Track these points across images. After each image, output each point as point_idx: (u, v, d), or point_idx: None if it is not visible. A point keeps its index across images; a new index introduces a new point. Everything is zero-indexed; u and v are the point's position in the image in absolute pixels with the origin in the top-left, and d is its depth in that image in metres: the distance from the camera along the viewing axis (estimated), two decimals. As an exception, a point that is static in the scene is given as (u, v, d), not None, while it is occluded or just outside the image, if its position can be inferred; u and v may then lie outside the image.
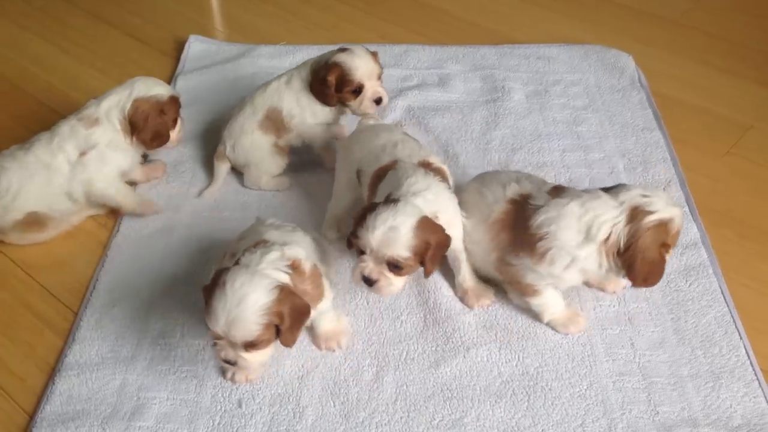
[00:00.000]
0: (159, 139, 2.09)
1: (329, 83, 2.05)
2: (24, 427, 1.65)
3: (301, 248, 1.61)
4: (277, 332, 1.50)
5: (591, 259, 1.64)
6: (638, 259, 1.59)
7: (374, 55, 2.10)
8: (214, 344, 1.52)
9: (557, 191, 1.71)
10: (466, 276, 1.85)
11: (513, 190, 1.75)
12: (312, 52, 2.16)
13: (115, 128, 2.04)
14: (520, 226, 1.70)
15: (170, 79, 2.62)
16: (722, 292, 1.88)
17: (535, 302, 1.78)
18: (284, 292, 1.48)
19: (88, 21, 2.97)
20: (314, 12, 3.00)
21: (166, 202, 2.16)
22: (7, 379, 1.74)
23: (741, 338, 1.78)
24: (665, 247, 1.62)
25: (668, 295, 1.88)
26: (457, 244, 1.77)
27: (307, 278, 1.57)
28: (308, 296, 1.56)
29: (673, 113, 2.45)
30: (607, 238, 1.61)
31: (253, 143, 2.15)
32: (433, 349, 1.77)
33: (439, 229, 1.62)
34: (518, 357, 1.75)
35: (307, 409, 1.66)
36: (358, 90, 2.07)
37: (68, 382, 1.71)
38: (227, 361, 1.52)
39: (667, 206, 1.61)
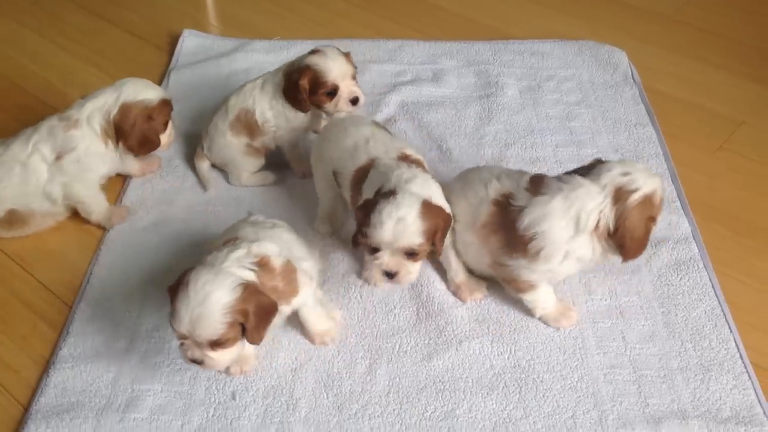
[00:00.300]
0: (148, 145, 2.04)
1: (302, 88, 2.02)
2: (19, 419, 1.66)
3: (273, 244, 1.60)
4: (244, 330, 1.49)
5: (585, 248, 1.66)
6: (628, 238, 1.62)
7: (347, 55, 2.08)
8: (181, 344, 1.51)
9: (536, 185, 1.71)
10: (457, 270, 1.86)
11: (495, 190, 1.75)
12: (306, 47, 2.16)
13: (95, 133, 1.98)
14: (509, 228, 1.70)
15: (164, 74, 2.63)
16: (713, 286, 1.90)
17: (528, 298, 1.79)
18: (249, 290, 1.47)
19: (85, 17, 2.97)
20: (310, 8, 3.01)
21: (159, 197, 2.17)
22: (1, 371, 1.75)
23: (731, 332, 1.80)
24: (651, 220, 1.66)
25: (659, 289, 1.89)
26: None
27: (277, 275, 1.56)
28: (278, 293, 1.56)
29: (666, 109, 2.47)
30: (597, 225, 1.63)
31: (226, 144, 2.14)
32: (426, 342, 1.78)
33: (441, 209, 1.68)
34: (510, 350, 1.77)
35: (301, 401, 1.67)
36: (332, 92, 2.05)
37: (63, 374, 1.72)
38: (194, 361, 1.50)
39: (648, 179, 1.64)
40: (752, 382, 1.70)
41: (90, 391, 1.68)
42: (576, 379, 1.70)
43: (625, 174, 1.63)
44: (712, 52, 2.73)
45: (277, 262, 1.57)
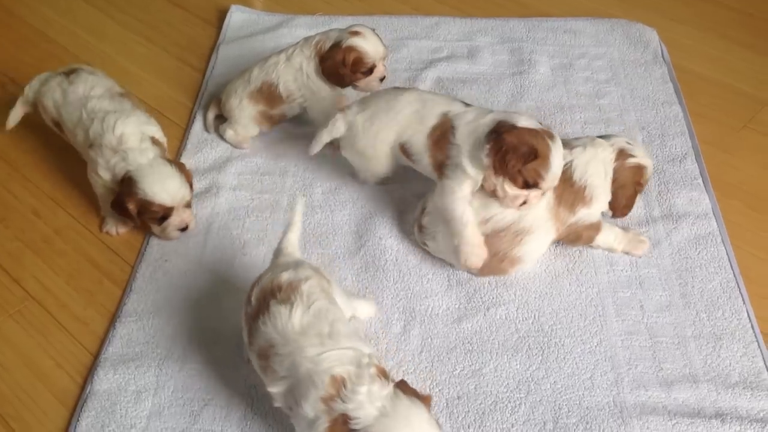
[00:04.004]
0: (119, 212, 2.03)
1: (347, 65, 2.17)
2: (89, 365, 1.84)
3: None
4: None
5: (609, 190, 1.93)
6: (620, 192, 1.93)
7: (378, 36, 2.22)
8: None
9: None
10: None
11: None
12: (347, 23, 2.27)
13: (107, 165, 2.02)
14: (566, 188, 1.89)
15: (213, 48, 2.76)
16: (729, 260, 2.00)
17: (600, 241, 1.99)
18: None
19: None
20: (350, -17, 3.10)
21: (210, 165, 2.32)
22: (72, 323, 1.92)
23: (744, 303, 1.91)
24: (639, 185, 1.96)
25: (678, 262, 2.01)
26: None
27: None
28: None
29: (693, 87, 2.55)
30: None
31: (239, 107, 2.30)
32: (456, 306, 1.93)
33: None
34: (534, 315, 1.90)
35: (341, 358, 1.83)
36: (369, 71, 2.20)
37: (128, 327, 1.89)
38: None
39: (644, 155, 1.96)
40: (761, 351, 1.82)
41: (152, 342, 1.85)
42: (595, 344, 1.84)
43: (629, 143, 1.95)
44: (742, 31, 2.79)
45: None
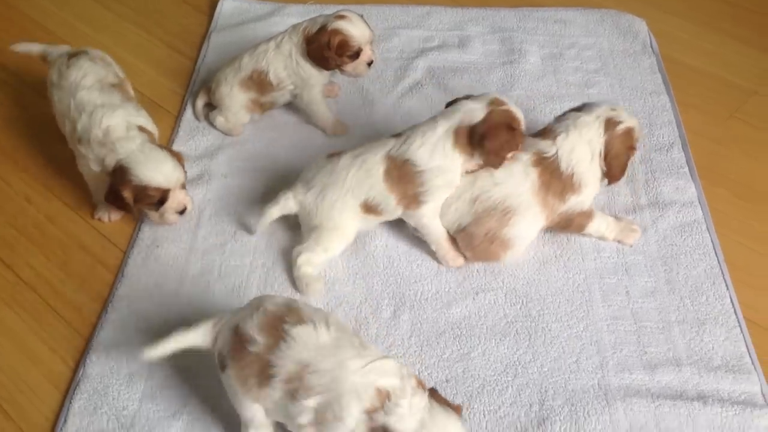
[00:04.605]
0: (114, 203, 2.00)
1: (332, 48, 2.18)
2: (82, 349, 1.86)
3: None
4: None
5: (597, 170, 1.95)
6: (614, 163, 1.94)
7: (365, 20, 2.23)
8: None
9: (544, 131, 1.98)
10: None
11: (528, 155, 1.93)
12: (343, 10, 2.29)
13: (97, 159, 1.99)
14: (555, 177, 1.91)
15: (204, 36, 2.77)
16: (713, 247, 2.04)
17: (592, 228, 2.00)
18: None
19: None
20: (342, -28, 3.11)
21: (202, 152, 2.33)
22: (65, 308, 1.95)
23: (727, 289, 1.94)
24: (631, 149, 1.97)
25: (663, 248, 2.04)
26: None
27: None
28: None
29: (682, 77, 2.58)
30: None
31: (230, 95, 2.32)
32: (446, 290, 1.95)
33: None
34: (522, 301, 1.93)
35: (331, 342, 1.86)
36: (356, 54, 2.21)
37: (119, 312, 1.91)
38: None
39: (629, 117, 1.97)
40: (743, 335, 1.85)
41: (144, 327, 1.87)
42: (581, 329, 1.87)
43: (613, 110, 1.96)
44: (730, 22, 2.81)
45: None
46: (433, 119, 1.93)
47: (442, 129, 1.88)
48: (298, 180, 2.00)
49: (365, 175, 1.92)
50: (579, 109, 1.99)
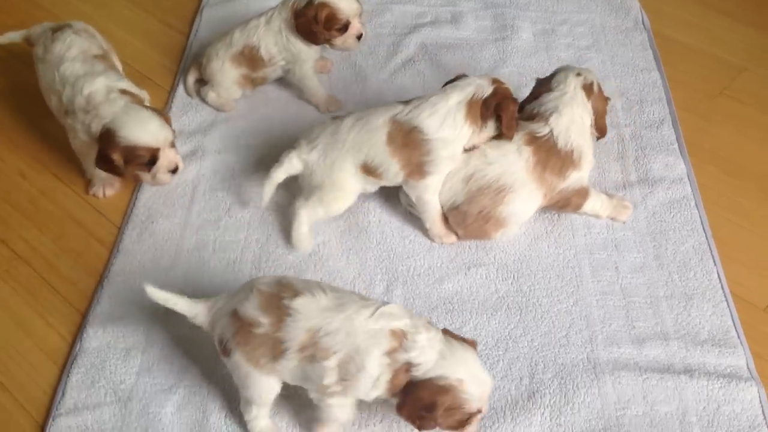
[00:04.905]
0: (104, 167, 1.97)
1: (319, 21, 2.18)
2: (78, 324, 1.88)
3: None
4: None
5: (592, 138, 2.00)
6: (601, 120, 2.03)
7: None
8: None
9: (532, 113, 1.99)
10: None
11: (520, 134, 1.95)
12: (331, -13, 2.29)
13: (83, 127, 1.99)
14: (552, 155, 1.92)
15: (197, 11, 2.76)
16: (702, 224, 2.07)
17: (588, 207, 2.02)
18: None
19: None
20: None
21: (195, 128, 2.34)
22: (61, 282, 1.97)
23: (715, 264, 1.98)
24: (607, 101, 2.07)
25: (652, 225, 2.07)
26: None
27: None
28: None
29: (673, 54, 2.59)
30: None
31: (221, 70, 2.32)
32: (438, 266, 1.98)
33: None
34: (513, 276, 1.96)
35: (325, 316, 1.88)
36: (344, 27, 2.21)
37: (115, 286, 1.93)
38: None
39: (589, 72, 2.05)
40: (730, 310, 1.89)
41: (140, 301, 1.87)
42: (571, 304, 1.90)
43: (578, 74, 2.01)
44: (722, -1, 2.83)
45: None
46: (443, 91, 1.93)
47: (455, 100, 1.89)
48: (301, 139, 2.01)
49: (367, 137, 1.93)
50: (547, 84, 2.02)
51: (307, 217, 1.99)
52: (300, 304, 1.49)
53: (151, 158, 1.94)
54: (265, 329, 1.49)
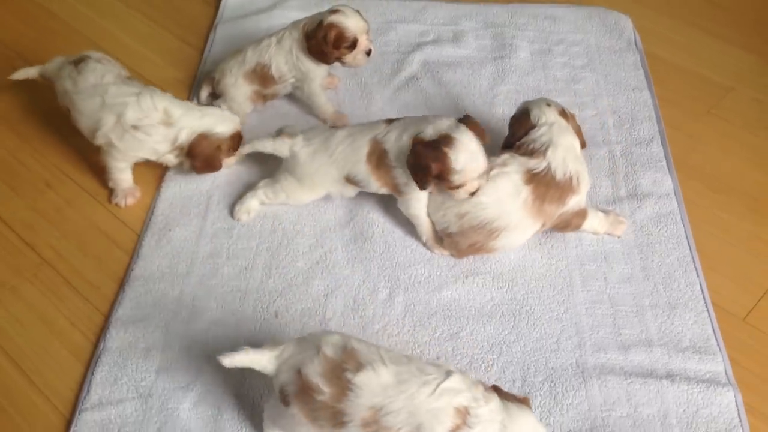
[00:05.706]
0: (210, 168, 2.22)
1: (329, 42, 2.29)
2: (102, 325, 2.00)
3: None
4: None
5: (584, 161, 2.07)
6: (581, 139, 2.10)
7: (359, 13, 2.35)
8: None
9: (523, 148, 2.05)
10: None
11: (517, 170, 2.00)
12: (338, 4, 2.40)
13: (166, 139, 2.16)
14: (551, 187, 1.98)
15: (210, 27, 2.89)
16: (686, 237, 2.18)
17: (587, 225, 2.10)
18: None
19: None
20: (342, -34, 3.21)
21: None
22: (84, 286, 2.09)
23: (698, 276, 2.09)
24: (574, 117, 2.16)
25: (640, 238, 2.19)
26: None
27: None
28: None
29: (663, 74, 2.71)
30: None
31: (234, 85, 2.44)
32: (438, 274, 2.10)
33: None
34: (508, 285, 2.08)
35: (331, 321, 2.00)
36: (352, 45, 2.32)
37: (136, 290, 2.05)
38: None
39: (551, 99, 2.14)
40: (710, 319, 2.01)
41: (159, 304, 2.02)
42: (562, 312, 2.02)
43: (549, 104, 2.09)
44: (711, 21, 2.94)
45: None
46: (423, 118, 2.01)
47: (408, 136, 1.96)
48: (302, 132, 2.17)
49: (351, 153, 2.06)
50: (527, 121, 2.06)
51: (265, 197, 2.19)
52: (361, 380, 1.48)
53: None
54: (326, 398, 1.49)
